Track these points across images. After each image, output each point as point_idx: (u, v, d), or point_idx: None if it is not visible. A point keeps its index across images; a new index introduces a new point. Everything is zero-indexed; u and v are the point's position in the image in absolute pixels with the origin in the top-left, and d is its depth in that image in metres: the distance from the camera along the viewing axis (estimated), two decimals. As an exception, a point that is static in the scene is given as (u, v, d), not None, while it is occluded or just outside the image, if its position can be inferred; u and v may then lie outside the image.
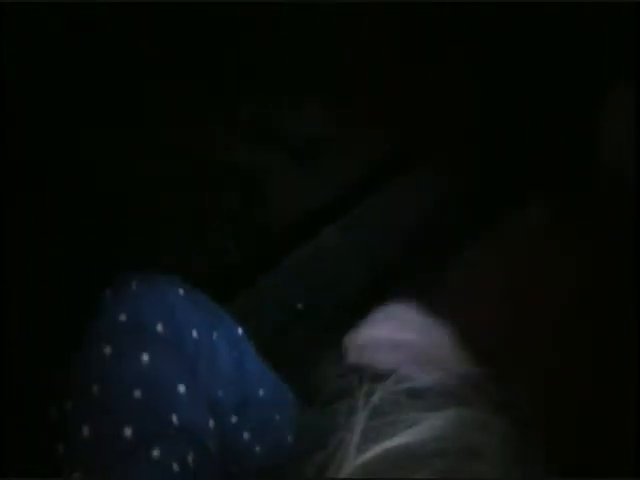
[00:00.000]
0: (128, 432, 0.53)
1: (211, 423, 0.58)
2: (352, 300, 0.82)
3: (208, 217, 0.85)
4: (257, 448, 0.62)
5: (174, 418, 0.55)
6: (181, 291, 0.61)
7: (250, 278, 0.81)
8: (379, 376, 0.53)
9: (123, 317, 0.57)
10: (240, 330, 0.65)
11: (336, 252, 0.84)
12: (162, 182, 0.84)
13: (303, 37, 0.85)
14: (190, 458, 0.54)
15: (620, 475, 0.57)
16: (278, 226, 0.85)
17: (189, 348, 0.59)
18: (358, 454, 0.47)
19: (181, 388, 0.56)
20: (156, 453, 0.52)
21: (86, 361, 0.56)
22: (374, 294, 0.81)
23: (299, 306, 0.81)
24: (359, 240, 0.85)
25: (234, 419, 0.62)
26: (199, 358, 0.60)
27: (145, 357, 0.55)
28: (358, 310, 0.80)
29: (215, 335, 0.62)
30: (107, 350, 0.55)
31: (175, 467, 0.53)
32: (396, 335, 0.64)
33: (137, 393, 0.54)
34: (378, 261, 0.84)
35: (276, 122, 0.86)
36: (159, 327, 0.57)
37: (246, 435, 0.62)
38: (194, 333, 0.59)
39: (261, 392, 0.64)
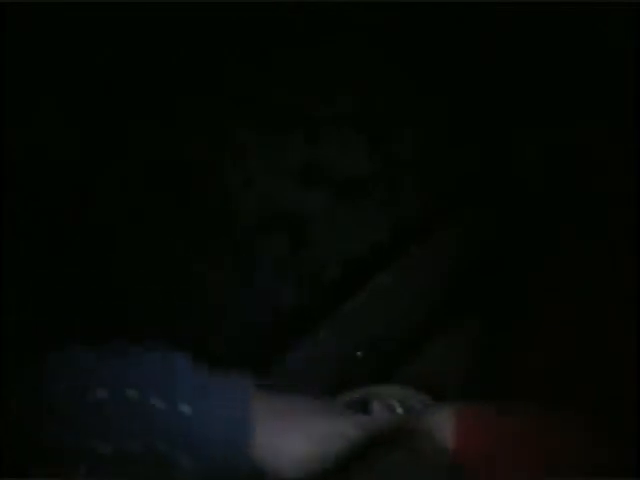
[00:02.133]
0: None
1: None
2: (410, 342, 0.82)
3: (256, 262, 0.85)
4: None
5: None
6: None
7: (302, 324, 0.81)
8: None
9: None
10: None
11: (391, 295, 0.83)
12: (207, 226, 0.84)
13: (349, 75, 0.85)
14: None
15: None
16: (328, 269, 0.85)
17: None
18: None
19: None
20: None
21: None
22: (431, 333, 0.82)
23: (359, 354, 0.81)
24: (413, 282, 0.84)
25: None
26: None
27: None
28: (417, 352, 0.81)
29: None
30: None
31: None
32: None
33: None
34: (432, 301, 0.84)
35: (323, 162, 0.85)
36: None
37: None
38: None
39: None
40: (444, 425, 0.62)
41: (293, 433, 0.61)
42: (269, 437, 0.60)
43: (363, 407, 0.70)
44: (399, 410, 0.72)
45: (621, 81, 0.72)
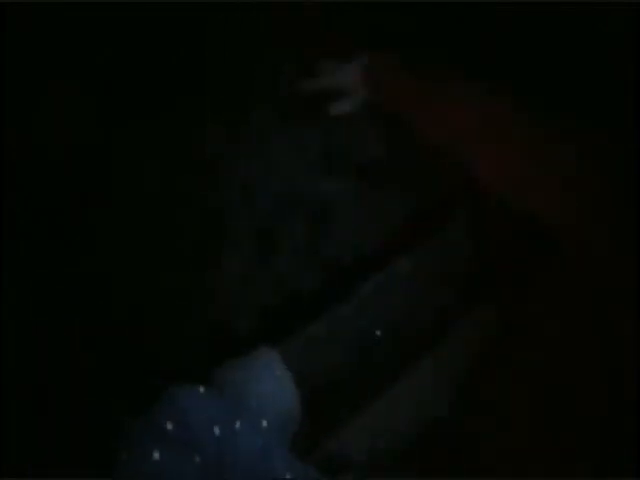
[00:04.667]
0: None
1: None
2: (427, 325, 0.83)
3: (276, 247, 0.85)
4: None
5: None
6: (200, 390, 0.65)
7: (321, 307, 0.82)
8: None
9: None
10: (265, 422, 0.67)
11: (409, 280, 0.83)
12: (229, 212, 0.84)
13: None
14: None
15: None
16: (346, 255, 0.86)
17: (208, 445, 0.62)
18: None
19: None
20: None
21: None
22: (447, 320, 0.83)
23: (377, 333, 0.81)
24: (430, 269, 0.84)
25: None
26: (223, 452, 0.63)
27: (156, 455, 0.60)
28: (435, 335, 0.81)
29: (238, 425, 0.64)
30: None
31: None
32: None
33: None
34: (449, 288, 0.84)
35: (341, 152, 0.85)
36: (169, 426, 0.61)
37: None
38: (216, 430, 0.63)
39: (288, 476, 0.65)
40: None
41: None
42: None
43: None
44: None
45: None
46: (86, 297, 0.79)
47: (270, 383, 0.72)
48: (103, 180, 0.82)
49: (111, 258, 0.81)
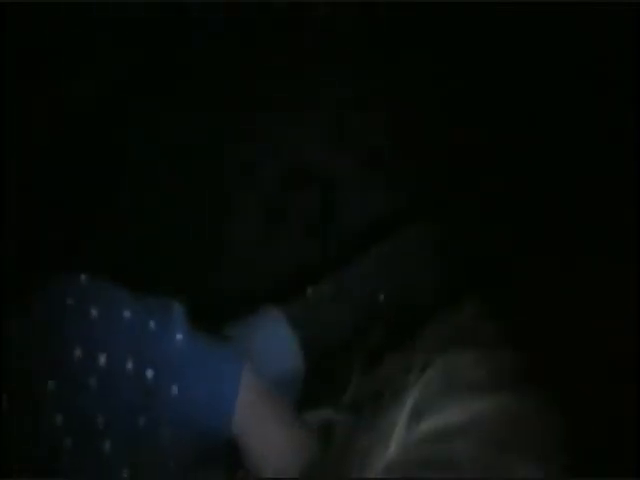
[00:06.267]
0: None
1: None
2: (427, 301, 0.83)
3: (285, 217, 0.85)
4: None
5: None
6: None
7: (328, 274, 0.82)
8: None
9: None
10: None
11: (415, 252, 0.84)
12: (240, 181, 0.84)
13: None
14: None
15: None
16: (354, 228, 0.86)
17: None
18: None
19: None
20: None
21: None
22: (448, 296, 0.81)
23: (381, 297, 0.81)
24: (437, 244, 0.85)
25: None
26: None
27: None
28: (433, 311, 0.81)
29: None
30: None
31: None
32: None
33: None
34: (453, 265, 0.84)
35: (348, 128, 0.85)
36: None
37: None
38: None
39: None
40: None
41: (271, 424, 0.61)
42: (248, 418, 0.61)
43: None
44: None
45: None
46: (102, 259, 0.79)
47: (273, 342, 0.72)
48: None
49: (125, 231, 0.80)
